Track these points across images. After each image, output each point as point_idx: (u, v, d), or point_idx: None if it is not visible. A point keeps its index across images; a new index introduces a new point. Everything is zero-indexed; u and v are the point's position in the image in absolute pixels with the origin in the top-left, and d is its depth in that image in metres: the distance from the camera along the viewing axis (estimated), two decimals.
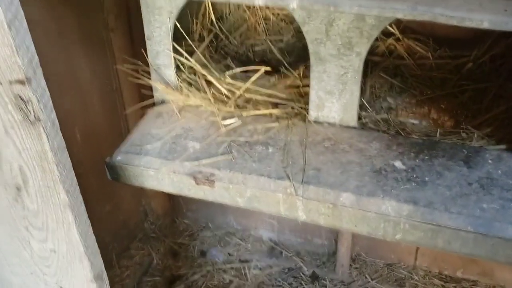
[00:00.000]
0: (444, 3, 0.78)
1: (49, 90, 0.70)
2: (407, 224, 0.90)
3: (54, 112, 0.71)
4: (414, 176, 0.96)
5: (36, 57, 0.67)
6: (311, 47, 1.02)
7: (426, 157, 1.00)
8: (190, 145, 1.07)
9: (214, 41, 1.42)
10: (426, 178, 0.95)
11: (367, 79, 1.36)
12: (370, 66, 1.39)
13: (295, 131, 1.09)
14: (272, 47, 1.44)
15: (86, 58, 1.44)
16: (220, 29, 1.45)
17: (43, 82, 0.69)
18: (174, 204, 2.05)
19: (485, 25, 0.74)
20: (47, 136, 0.70)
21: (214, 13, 1.43)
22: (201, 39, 1.38)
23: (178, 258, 1.94)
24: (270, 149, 1.04)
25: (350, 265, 1.83)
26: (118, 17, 1.53)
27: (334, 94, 1.06)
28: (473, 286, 1.78)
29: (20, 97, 0.68)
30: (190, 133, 1.10)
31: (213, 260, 1.91)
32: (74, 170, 0.77)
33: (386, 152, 1.02)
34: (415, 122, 1.26)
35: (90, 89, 1.49)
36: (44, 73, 0.68)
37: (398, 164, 0.99)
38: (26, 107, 0.68)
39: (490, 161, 0.98)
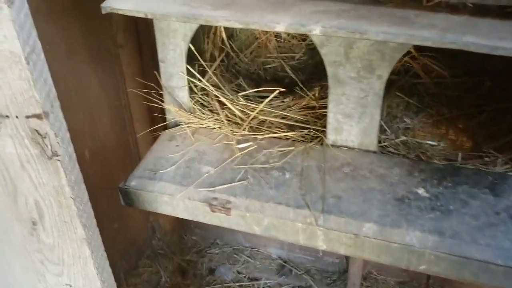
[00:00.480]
0: (473, 29, 0.75)
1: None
2: (432, 256, 0.87)
3: (71, 145, 0.68)
4: (438, 204, 0.93)
5: (54, 90, 0.64)
6: (329, 70, 1.00)
7: (450, 184, 0.97)
8: (204, 169, 1.04)
9: (225, 60, 1.40)
10: (451, 207, 0.92)
11: (384, 99, 1.33)
12: (387, 85, 1.37)
13: (312, 156, 1.06)
14: (285, 65, 1.42)
15: (95, 75, 1.41)
16: (231, 48, 1.43)
17: (60, 115, 0.66)
18: (182, 220, 2.02)
19: None
20: (64, 171, 0.67)
21: (225, 31, 1.41)
22: (213, 58, 1.35)
23: (186, 276, 1.90)
24: (287, 175, 1.01)
25: (361, 283, 1.80)
26: (127, 32, 1.51)
27: (353, 117, 1.03)
28: None
29: (37, 131, 0.65)
30: (204, 157, 1.07)
31: (222, 278, 1.88)
32: None
33: (408, 178, 0.99)
34: (433, 143, 1.23)
35: (99, 106, 1.46)
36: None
37: (421, 191, 0.96)
38: (43, 141, 0.65)
39: None
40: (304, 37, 1.52)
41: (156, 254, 1.96)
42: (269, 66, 1.47)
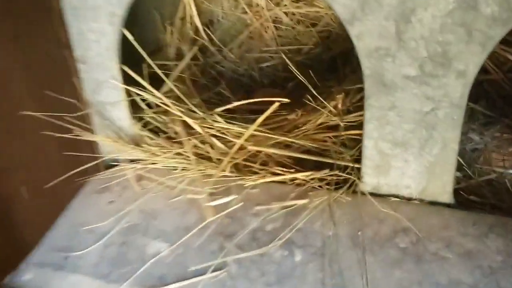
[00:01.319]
0: None
1: None
2: None
3: None
4: None
5: None
6: (366, 64, 0.55)
7: None
8: (152, 248, 0.59)
9: (200, 58, 0.95)
10: None
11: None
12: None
13: (339, 216, 0.61)
14: (288, 62, 0.95)
15: None
16: (210, 39, 0.98)
17: None
18: None
19: None
20: None
21: (199, 16, 0.96)
22: (180, 55, 0.91)
23: None
24: (298, 256, 0.56)
25: None
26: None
27: (410, 146, 0.58)
28: None
29: None
30: (154, 223, 0.62)
31: None
32: None
33: (507, 253, 0.54)
34: None
35: None
36: None
37: None
38: None
39: None
40: (314, 22, 1.06)
41: None
42: (266, 64, 1.02)
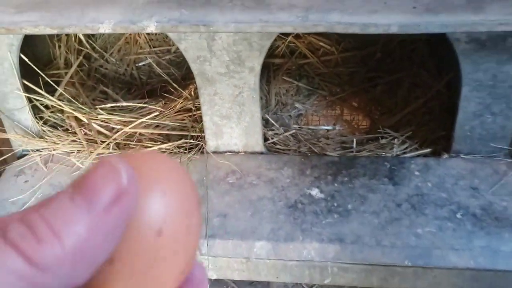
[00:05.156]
0: (340, 5, 0.62)
1: None
2: (336, 268, 0.76)
3: None
4: (335, 205, 0.81)
5: None
6: (194, 67, 0.84)
7: (346, 179, 0.86)
8: None
9: (85, 64, 1.19)
10: (349, 206, 0.81)
11: (270, 86, 1.20)
12: (273, 70, 1.24)
13: (193, 168, 0.90)
14: (152, 63, 1.23)
15: None
16: (92, 48, 1.22)
17: None
18: None
19: (394, 29, 0.59)
20: None
21: None
22: (69, 64, 1.14)
23: None
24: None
25: None
26: None
27: (232, 118, 0.89)
28: None
29: None
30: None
31: None
32: None
33: (300, 179, 0.87)
34: (328, 127, 1.12)
35: None
36: None
37: (315, 192, 0.84)
38: None
39: (417, 173, 0.86)
40: None
41: None
42: (143, 63, 1.28)
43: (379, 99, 1.17)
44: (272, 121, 1.00)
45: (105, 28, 0.63)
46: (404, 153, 0.92)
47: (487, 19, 0.60)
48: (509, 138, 0.84)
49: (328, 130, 1.12)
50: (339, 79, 1.24)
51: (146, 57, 1.29)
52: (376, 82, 1.19)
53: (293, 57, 1.25)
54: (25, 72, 0.91)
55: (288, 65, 1.24)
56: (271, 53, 1.25)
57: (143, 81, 1.24)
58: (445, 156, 0.87)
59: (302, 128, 1.11)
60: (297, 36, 1.26)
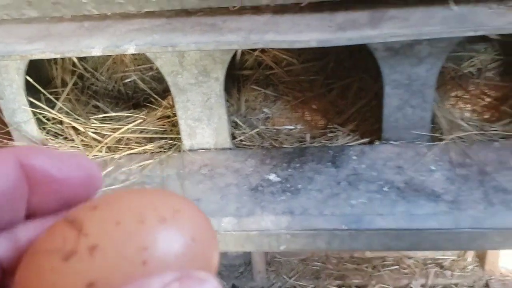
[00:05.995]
0: (275, 27, 0.82)
1: None
2: (288, 235, 0.94)
3: None
4: (288, 186, 1.00)
5: None
6: (169, 80, 1.03)
7: (298, 165, 1.05)
8: None
9: (79, 82, 1.38)
10: (299, 186, 1.00)
11: (241, 94, 1.39)
12: (242, 80, 1.43)
13: (171, 164, 1.09)
14: (136, 79, 1.43)
15: None
16: (84, 68, 1.41)
17: None
18: None
19: (313, 44, 0.79)
20: None
21: None
22: (65, 83, 1.33)
23: None
24: (147, 188, 1.03)
25: (267, 269, 1.88)
26: None
27: (203, 120, 1.08)
28: (383, 262, 1.90)
29: None
30: None
31: None
32: None
33: (261, 167, 1.06)
34: (291, 127, 1.31)
35: None
36: None
37: (272, 177, 1.03)
38: None
39: (354, 157, 1.05)
40: None
41: None
42: (129, 80, 1.47)
43: (333, 101, 1.37)
44: (240, 123, 1.19)
45: (96, 51, 0.82)
46: (347, 143, 1.12)
47: (381, 33, 0.80)
48: (428, 126, 1.04)
49: (290, 129, 1.31)
50: (300, 86, 1.44)
51: (131, 74, 1.48)
52: (331, 87, 1.39)
53: (260, 68, 1.45)
54: (30, 90, 1.10)
55: (256, 75, 1.44)
56: (241, 65, 1.45)
57: (129, 95, 1.43)
58: (377, 143, 1.06)
59: (268, 128, 1.31)
60: (263, 50, 1.46)
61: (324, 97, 1.40)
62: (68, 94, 1.29)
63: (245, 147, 1.14)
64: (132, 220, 0.20)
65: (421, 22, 0.80)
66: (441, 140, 1.04)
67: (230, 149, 1.12)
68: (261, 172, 1.04)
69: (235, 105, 1.34)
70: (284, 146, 1.13)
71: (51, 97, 1.14)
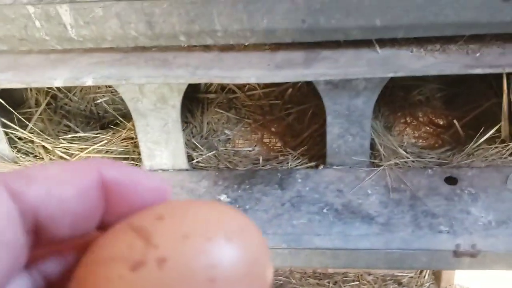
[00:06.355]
0: (220, 64, 0.91)
1: None
2: None
3: None
4: (237, 206, 1.09)
5: None
6: (130, 105, 1.12)
7: (247, 186, 1.14)
8: None
9: (53, 102, 1.46)
10: (247, 206, 1.08)
11: (203, 116, 1.49)
12: (207, 103, 1.52)
13: None
14: (103, 102, 1.52)
15: None
16: (58, 89, 1.50)
17: None
18: None
19: (252, 80, 0.88)
20: None
21: None
22: (39, 103, 1.41)
23: None
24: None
25: None
26: None
27: (161, 143, 1.17)
28: (344, 278, 1.99)
29: None
30: None
31: None
32: None
33: (213, 188, 1.14)
34: (249, 149, 1.41)
35: None
36: None
37: (223, 197, 1.11)
38: None
39: (299, 180, 1.14)
40: None
41: None
42: (100, 101, 1.56)
43: (291, 125, 1.47)
44: (198, 145, 1.28)
45: (58, 83, 0.91)
46: (296, 166, 1.21)
47: (313, 72, 0.89)
48: (368, 152, 1.14)
49: (249, 151, 1.40)
50: (261, 109, 1.53)
51: (103, 95, 1.56)
52: (289, 111, 1.49)
53: (223, 92, 1.54)
54: (3, 111, 1.18)
55: (220, 99, 1.54)
56: (205, 89, 1.55)
57: (100, 116, 1.52)
58: (321, 167, 1.15)
59: (227, 149, 1.40)
60: None
61: (283, 120, 1.50)
62: (41, 114, 1.37)
63: (201, 169, 1.22)
64: (200, 235, 0.20)
65: (349, 63, 0.90)
66: (379, 166, 1.13)
67: (187, 170, 1.20)
68: (213, 193, 1.13)
69: (198, 127, 1.43)
70: (238, 168, 1.22)
71: (22, 118, 1.22)
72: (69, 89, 1.54)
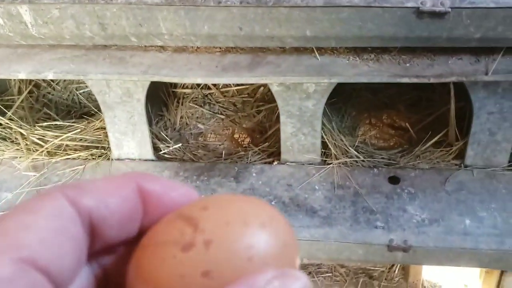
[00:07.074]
0: (171, 64, 0.99)
1: None
2: None
3: None
4: None
5: None
6: (98, 98, 1.20)
7: (205, 178, 1.22)
8: (3, 196, 1.20)
9: (35, 91, 1.55)
10: (202, 196, 1.16)
11: (178, 110, 1.57)
12: (182, 98, 1.60)
13: (99, 170, 1.26)
14: (76, 93, 1.60)
15: None
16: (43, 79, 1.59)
17: None
18: None
19: (199, 80, 0.95)
20: None
21: None
22: (21, 91, 1.50)
23: None
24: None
25: None
26: None
27: (128, 134, 1.25)
28: (318, 269, 2.06)
29: None
30: (4, 185, 1.23)
31: None
32: None
33: (174, 178, 1.22)
34: (220, 143, 1.48)
35: None
36: None
37: None
38: None
39: (254, 174, 1.21)
40: None
41: None
42: (82, 91, 1.64)
43: (260, 122, 1.54)
44: (166, 137, 1.36)
45: (21, 75, 0.99)
46: (254, 161, 1.28)
47: (255, 75, 0.97)
48: (319, 151, 1.21)
49: (219, 145, 1.48)
50: (234, 106, 1.61)
51: (86, 86, 1.65)
52: (260, 109, 1.56)
53: (199, 88, 1.62)
54: None
55: (195, 94, 1.61)
56: (182, 85, 1.62)
57: (82, 105, 1.61)
58: (275, 163, 1.23)
59: (198, 142, 1.48)
60: None
61: (254, 117, 1.57)
62: (22, 102, 1.46)
63: (166, 160, 1.31)
64: (239, 222, 0.23)
65: (290, 68, 0.97)
66: (329, 164, 1.20)
67: (152, 160, 1.29)
68: None
69: (172, 120, 1.51)
70: (200, 161, 1.29)
71: (2, 105, 1.31)
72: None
